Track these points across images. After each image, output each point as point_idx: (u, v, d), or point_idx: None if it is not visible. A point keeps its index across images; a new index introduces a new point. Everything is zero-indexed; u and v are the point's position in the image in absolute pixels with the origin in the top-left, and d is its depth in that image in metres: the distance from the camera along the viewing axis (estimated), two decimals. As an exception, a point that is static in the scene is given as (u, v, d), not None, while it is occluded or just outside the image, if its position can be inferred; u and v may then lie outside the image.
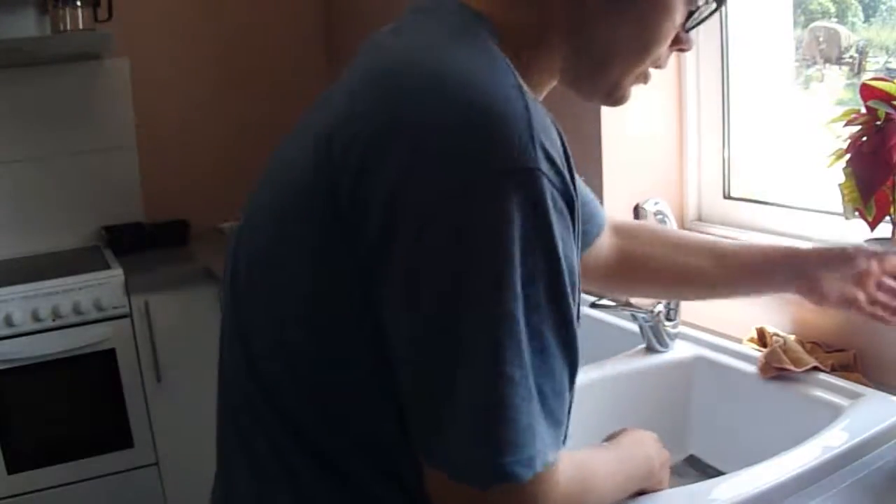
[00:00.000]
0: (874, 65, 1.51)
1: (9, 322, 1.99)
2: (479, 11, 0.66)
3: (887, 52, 1.50)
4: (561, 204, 0.59)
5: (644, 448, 0.88)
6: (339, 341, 0.63)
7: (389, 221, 0.58)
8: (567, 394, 0.62)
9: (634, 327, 1.31)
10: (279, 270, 0.66)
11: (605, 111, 1.58)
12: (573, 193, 0.61)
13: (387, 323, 0.60)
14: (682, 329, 1.35)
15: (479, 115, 0.57)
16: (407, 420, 0.61)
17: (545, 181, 0.57)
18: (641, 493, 0.85)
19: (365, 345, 0.62)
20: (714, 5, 0.73)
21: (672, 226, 1.28)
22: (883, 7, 1.51)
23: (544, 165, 0.57)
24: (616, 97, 0.75)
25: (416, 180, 0.57)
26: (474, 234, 0.56)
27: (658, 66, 0.75)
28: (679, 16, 0.70)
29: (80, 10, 2.22)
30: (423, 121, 0.58)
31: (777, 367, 1.17)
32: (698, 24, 0.74)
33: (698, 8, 0.72)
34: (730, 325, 1.35)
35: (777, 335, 1.25)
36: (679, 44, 0.73)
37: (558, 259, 0.58)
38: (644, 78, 0.75)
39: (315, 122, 0.68)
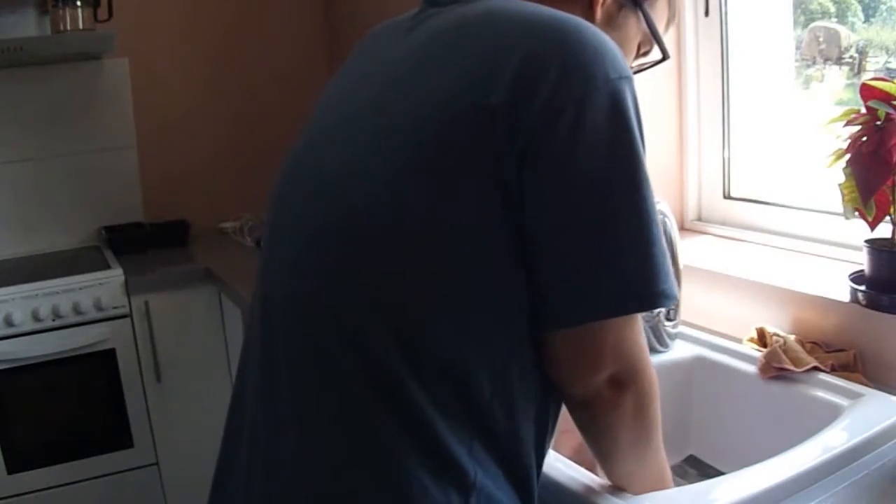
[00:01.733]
0: (874, 65, 1.51)
1: (9, 322, 1.99)
2: None
3: (887, 52, 1.50)
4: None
5: None
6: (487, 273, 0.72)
7: (550, 115, 0.69)
8: None
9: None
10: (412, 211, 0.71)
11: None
12: None
13: (535, 213, 0.70)
14: (681, 329, 1.35)
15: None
16: (554, 295, 0.72)
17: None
18: None
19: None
20: (655, 60, 0.94)
21: (672, 225, 1.29)
22: (883, 7, 1.51)
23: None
24: None
25: (567, 84, 0.70)
26: (618, 117, 0.72)
27: None
28: (630, 60, 0.92)
29: (80, 10, 2.22)
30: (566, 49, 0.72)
31: (777, 367, 1.18)
32: (641, 70, 0.94)
33: (641, 62, 0.95)
34: (730, 325, 1.36)
35: (777, 335, 1.25)
36: (641, 51, 0.94)
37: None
38: None
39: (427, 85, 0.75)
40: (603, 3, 0.86)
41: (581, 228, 0.70)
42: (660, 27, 0.92)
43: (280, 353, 0.78)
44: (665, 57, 0.93)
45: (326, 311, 0.74)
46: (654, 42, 0.92)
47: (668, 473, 0.88)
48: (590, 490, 0.90)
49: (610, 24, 0.87)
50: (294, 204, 0.82)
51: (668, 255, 0.73)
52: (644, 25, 0.90)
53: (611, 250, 0.70)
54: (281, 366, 0.78)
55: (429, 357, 0.70)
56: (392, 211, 0.72)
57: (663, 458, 0.87)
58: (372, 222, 0.72)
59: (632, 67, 0.91)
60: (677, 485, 1.00)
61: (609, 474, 0.87)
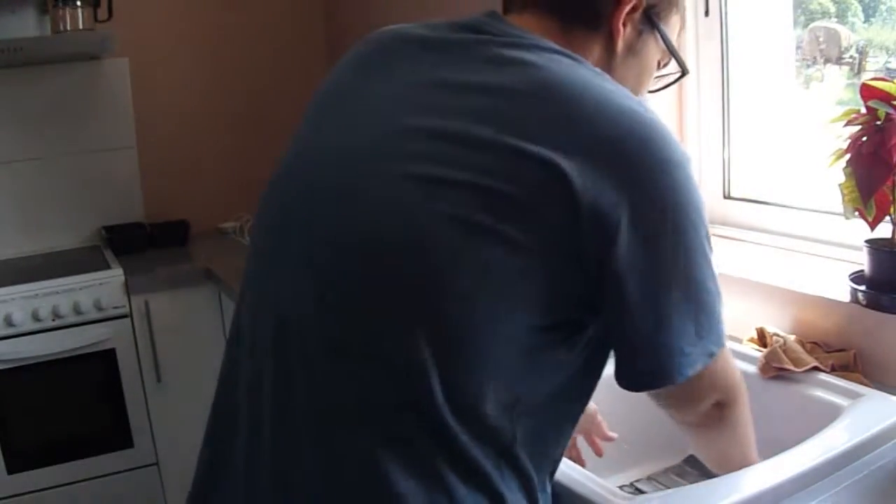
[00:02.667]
0: (874, 65, 1.51)
1: (9, 322, 1.99)
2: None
3: (887, 52, 1.50)
4: None
5: None
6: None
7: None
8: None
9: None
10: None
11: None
12: None
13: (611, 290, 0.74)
14: (682, 329, 1.34)
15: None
16: (643, 362, 0.78)
17: None
18: None
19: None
20: (677, 76, 0.96)
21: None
22: (883, 7, 1.51)
23: None
24: None
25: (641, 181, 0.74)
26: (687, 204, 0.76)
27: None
28: (652, 79, 0.94)
29: (80, 10, 2.22)
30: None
31: (777, 367, 1.17)
32: (665, 87, 0.97)
33: (664, 78, 0.97)
34: (730, 325, 1.34)
35: (777, 335, 1.25)
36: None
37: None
38: None
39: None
40: (623, 35, 0.86)
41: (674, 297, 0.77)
42: (674, 41, 0.93)
43: (303, 375, 0.77)
44: (684, 72, 0.94)
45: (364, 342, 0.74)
46: (671, 57, 0.92)
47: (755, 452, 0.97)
48: (596, 493, 0.90)
49: (631, 51, 0.88)
50: (318, 226, 0.79)
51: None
52: (662, 44, 0.90)
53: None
54: (299, 384, 0.77)
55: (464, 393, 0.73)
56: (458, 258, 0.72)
57: (754, 452, 0.96)
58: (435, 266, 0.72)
59: (653, 87, 0.96)
60: (677, 485, 1.00)
61: (714, 469, 0.99)
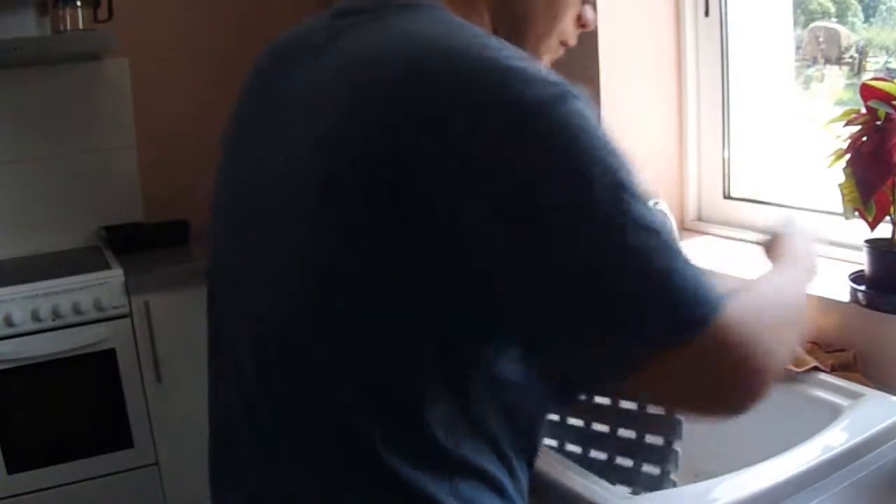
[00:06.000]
0: (874, 65, 1.51)
1: (9, 322, 1.99)
2: None
3: (887, 52, 1.50)
4: None
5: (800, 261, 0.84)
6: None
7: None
8: None
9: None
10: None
11: (605, 111, 1.58)
12: None
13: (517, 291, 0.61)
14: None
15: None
16: (605, 354, 0.61)
17: None
18: None
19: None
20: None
21: (672, 225, 1.28)
22: (883, 7, 1.51)
23: None
24: None
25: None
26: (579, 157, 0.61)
27: (566, 44, 0.82)
28: (571, 8, 0.79)
29: (80, 10, 2.22)
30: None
31: (777, 367, 1.17)
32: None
33: None
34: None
35: (777, 335, 1.25)
36: (581, 21, 0.81)
37: None
38: (555, 51, 0.82)
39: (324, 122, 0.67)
40: None
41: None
42: None
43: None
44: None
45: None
46: None
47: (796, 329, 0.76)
48: (597, 493, 0.90)
49: None
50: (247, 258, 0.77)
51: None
52: None
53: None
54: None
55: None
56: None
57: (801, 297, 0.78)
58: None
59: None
60: (677, 485, 1.00)
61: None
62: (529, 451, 0.76)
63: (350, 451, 0.68)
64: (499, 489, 0.71)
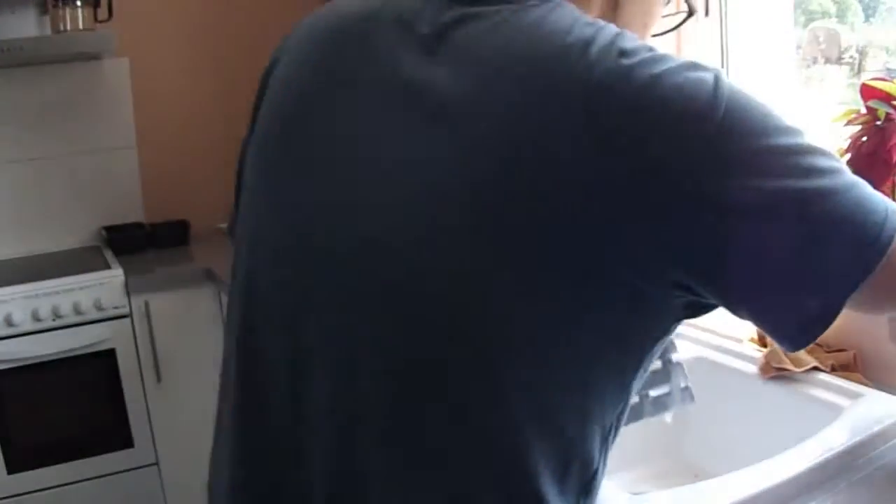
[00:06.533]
0: (874, 65, 1.51)
1: (9, 322, 1.99)
2: None
3: (887, 52, 1.50)
4: None
5: None
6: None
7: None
8: None
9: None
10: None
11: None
12: None
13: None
14: (682, 329, 1.34)
15: None
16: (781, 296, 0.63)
17: None
18: None
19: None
20: (684, 17, 0.84)
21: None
22: (883, 7, 1.51)
23: None
24: None
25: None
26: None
27: None
28: (656, 22, 0.82)
29: (80, 10, 2.22)
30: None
31: (777, 367, 1.18)
32: (669, 31, 0.85)
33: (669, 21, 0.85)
34: (730, 325, 1.35)
35: (777, 335, 1.25)
36: None
37: None
38: None
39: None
40: None
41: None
42: None
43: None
44: (690, 13, 0.85)
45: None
46: None
47: None
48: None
49: None
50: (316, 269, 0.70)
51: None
52: None
53: None
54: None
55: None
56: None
57: None
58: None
59: (657, 31, 0.84)
60: (676, 485, 1.00)
61: None
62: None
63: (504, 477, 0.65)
64: None
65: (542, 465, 0.64)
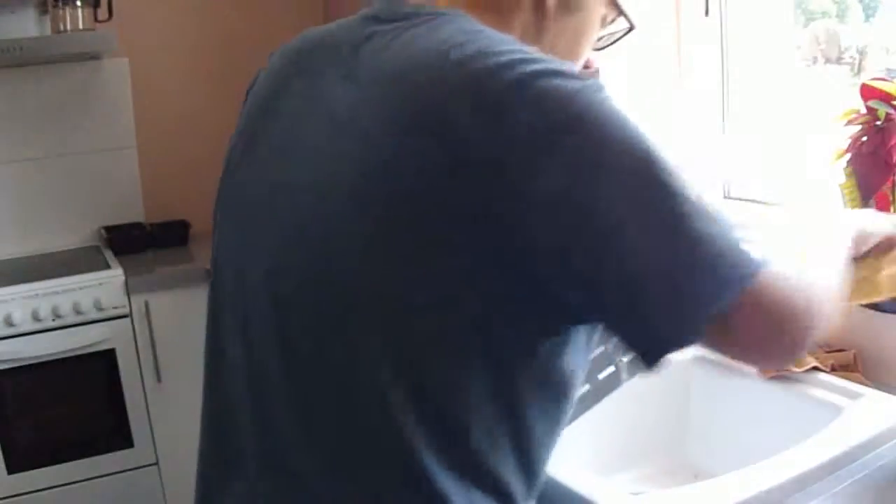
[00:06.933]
0: (874, 65, 1.51)
1: (9, 322, 1.99)
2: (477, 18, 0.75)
3: (887, 52, 1.50)
4: None
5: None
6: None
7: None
8: None
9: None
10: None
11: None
12: None
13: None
14: (682, 329, 1.34)
15: None
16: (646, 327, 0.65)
17: None
18: None
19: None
20: (623, 31, 0.86)
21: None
22: (883, 7, 1.51)
23: None
24: None
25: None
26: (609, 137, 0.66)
27: (587, 69, 0.88)
28: (595, 36, 0.85)
29: (80, 10, 2.21)
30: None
31: (777, 367, 1.18)
32: (610, 44, 0.89)
33: (609, 35, 0.88)
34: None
35: (777, 335, 1.25)
36: (587, 64, 0.87)
37: None
38: None
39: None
40: None
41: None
42: None
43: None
44: (632, 27, 0.86)
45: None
46: (618, 10, 0.84)
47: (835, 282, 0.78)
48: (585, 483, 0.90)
49: (565, 7, 0.79)
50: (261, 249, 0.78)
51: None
52: None
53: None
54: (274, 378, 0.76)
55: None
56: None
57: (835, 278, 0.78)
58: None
59: (599, 41, 0.87)
60: (676, 485, 1.00)
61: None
62: (534, 479, 0.77)
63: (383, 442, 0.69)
64: None
65: (424, 445, 0.68)
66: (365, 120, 0.70)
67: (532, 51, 0.68)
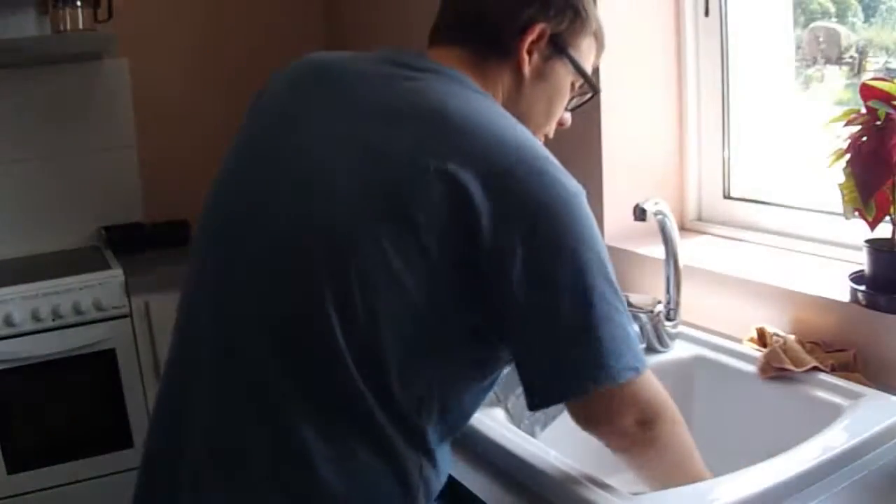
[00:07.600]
0: (874, 65, 1.51)
1: (9, 322, 1.99)
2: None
3: (887, 52, 1.50)
4: None
5: None
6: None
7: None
8: None
9: (635, 327, 1.31)
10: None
11: (605, 111, 1.58)
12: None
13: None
14: (682, 329, 1.35)
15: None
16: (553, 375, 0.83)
17: None
18: None
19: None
20: (589, 95, 1.02)
21: (672, 226, 1.29)
22: (883, 7, 1.51)
23: None
24: None
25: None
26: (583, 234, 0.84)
27: (561, 126, 1.04)
28: (566, 100, 1.01)
29: (80, 10, 2.21)
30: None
31: (777, 367, 1.18)
32: (579, 106, 1.04)
33: (580, 97, 1.03)
34: (730, 325, 1.36)
35: (777, 335, 1.25)
36: (560, 121, 1.03)
37: None
38: (549, 135, 1.03)
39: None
40: (530, 62, 0.93)
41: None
42: (590, 62, 0.99)
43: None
44: (595, 92, 1.01)
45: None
46: (583, 77, 0.98)
47: (701, 471, 0.96)
48: (584, 483, 0.90)
49: (540, 77, 0.94)
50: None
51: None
52: (572, 68, 0.96)
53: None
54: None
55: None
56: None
57: (700, 468, 0.96)
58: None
59: (568, 107, 1.02)
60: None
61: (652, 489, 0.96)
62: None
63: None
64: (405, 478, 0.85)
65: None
66: (395, 145, 0.82)
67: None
